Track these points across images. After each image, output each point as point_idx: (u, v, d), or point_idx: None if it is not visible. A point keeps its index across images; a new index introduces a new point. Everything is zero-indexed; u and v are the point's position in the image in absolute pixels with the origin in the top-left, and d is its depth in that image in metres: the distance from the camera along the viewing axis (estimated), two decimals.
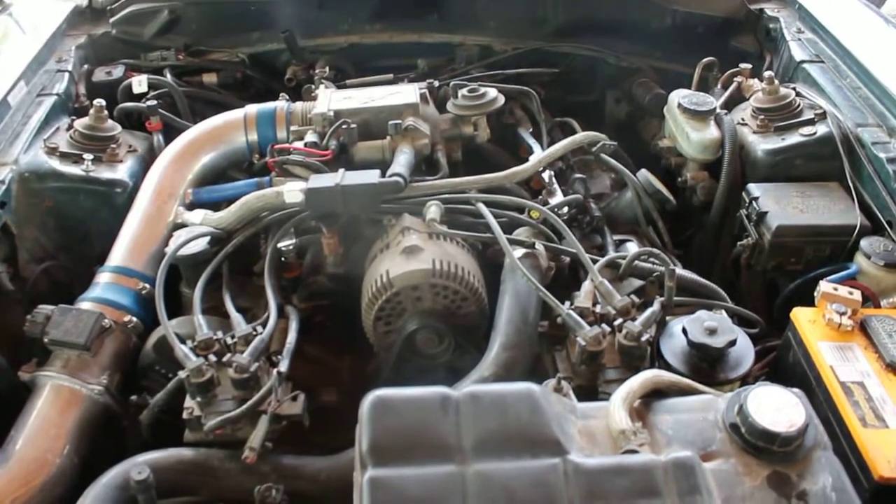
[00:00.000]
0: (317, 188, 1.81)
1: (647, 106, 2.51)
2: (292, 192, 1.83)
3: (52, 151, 2.06)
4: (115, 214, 2.02)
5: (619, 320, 1.61)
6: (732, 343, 1.55)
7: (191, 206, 2.01)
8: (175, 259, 1.83)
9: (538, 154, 2.06)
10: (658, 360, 1.61)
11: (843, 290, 1.69)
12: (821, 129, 2.05)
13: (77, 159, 2.06)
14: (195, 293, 1.76)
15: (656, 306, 1.64)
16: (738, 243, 2.00)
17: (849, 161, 1.99)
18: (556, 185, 1.99)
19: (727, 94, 2.28)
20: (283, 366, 1.60)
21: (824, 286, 1.69)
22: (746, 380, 1.60)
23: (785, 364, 1.71)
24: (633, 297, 1.67)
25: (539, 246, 1.78)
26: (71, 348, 1.71)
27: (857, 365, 1.57)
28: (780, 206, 1.94)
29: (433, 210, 1.82)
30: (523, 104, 2.38)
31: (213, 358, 1.60)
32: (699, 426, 1.26)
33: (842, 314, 1.64)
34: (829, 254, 1.92)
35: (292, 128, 2.11)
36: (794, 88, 2.19)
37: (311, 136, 2.00)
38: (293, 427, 1.61)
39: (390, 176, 1.84)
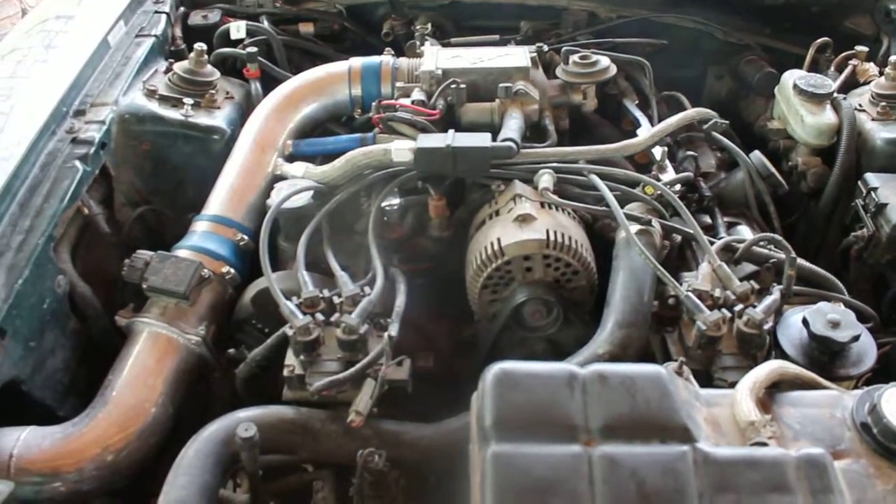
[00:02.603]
0: (427, 147, 1.76)
1: (755, 85, 2.40)
2: (401, 150, 1.78)
3: (151, 94, 2.02)
4: (210, 162, 1.98)
5: (739, 306, 1.55)
6: (856, 338, 1.49)
7: (290, 158, 1.97)
8: (285, 213, 1.79)
9: (649, 128, 1.99)
10: (775, 350, 1.55)
11: None
12: None
13: (176, 103, 2.02)
14: (299, 248, 1.72)
15: (776, 294, 1.57)
16: (852, 234, 1.92)
17: None
18: (667, 162, 1.92)
19: (842, 77, 2.19)
20: (394, 330, 1.55)
21: None
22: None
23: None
24: (752, 282, 1.61)
25: (655, 223, 1.71)
26: (170, 296, 1.68)
27: None
28: None
29: (546, 178, 1.75)
30: (629, 74, 2.29)
31: (320, 317, 1.56)
32: (827, 423, 1.21)
33: None
34: None
35: (398, 84, 2.04)
36: None
37: (417, 94, 1.94)
38: (389, 391, 1.58)
39: (502, 140, 1.78)
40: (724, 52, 2.56)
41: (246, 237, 1.83)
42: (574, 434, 1.12)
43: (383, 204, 1.81)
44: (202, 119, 2.02)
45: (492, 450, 1.10)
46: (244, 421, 1.45)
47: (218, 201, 1.87)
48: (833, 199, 2.01)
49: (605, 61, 2.05)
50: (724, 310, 1.54)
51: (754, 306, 1.54)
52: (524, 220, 1.69)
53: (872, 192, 1.88)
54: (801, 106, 2.07)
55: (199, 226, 1.84)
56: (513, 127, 1.83)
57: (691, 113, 2.03)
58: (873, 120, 2.02)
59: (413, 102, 1.92)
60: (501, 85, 1.91)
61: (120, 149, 1.97)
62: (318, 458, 1.56)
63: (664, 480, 1.09)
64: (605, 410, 1.15)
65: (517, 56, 2.03)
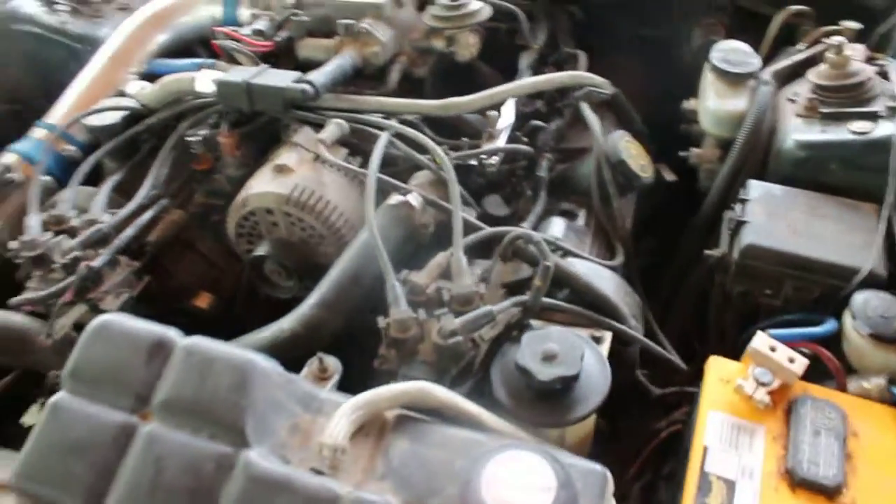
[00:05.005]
0: (225, 81, 1.66)
1: (693, 55, 1.96)
2: (204, 80, 1.69)
3: None
4: None
5: (443, 310, 1.31)
6: (567, 380, 1.19)
7: (142, 77, 1.94)
8: (94, 129, 1.79)
9: (501, 87, 1.70)
10: (483, 372, 1.30)
11: (783, 353, 1.21)
12: (881, 130, 1.47)
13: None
14: (82, 165, 1.71)
15: (502, 305, 1.30)
16: (706, 252, 1.53)
17: None
18: (502, 129, 1.64)
19: (801, 56, 1.70)
20: (99, 260, 1.51)
21: (759, 340, 1.22)
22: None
23: (690, 423, 1.31)
24: (482, 284, 1.35)
25: (414, 196, 1.48)
26: None
27: (746, 457, 1.12)
28: (770, 219, 1.43)
29: (330, 129, 1.59)
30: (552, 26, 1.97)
31: (49, 234, 1.55)
32: (436, 470, 0.98)
33: (761, 384, 1.20)
34: (817, 297, 1.41)
35: (253, 11, 1.93)
36: (881, 65, 1.59)
37: (259, 24, 1.82)
38: None
39: (301, 82, 1.63)
40: (699, 11, 2.08)
41: (74, 148, 1.85)
42: (133, 404, 1.05)
43: (188, 134, 1.74)
44: (81, 27, 2.03)
45: (54, 399, 1.06)
46: None
47: (59, 111, 1.89)
48: (714, 206, 1.61)
49: (476, 5, 1.77)
50: (421, 310, 1.31)
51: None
52: (279, 170, 1.55)
53: (743, 204, 1.48)
54: (712, 85, 1.66)
55: (36, 132, 1.87)
56: (326, 69, 1.67)
57: (561, 76, 1.71)
58: (798, 116, 1.57)
59: (253, 32, 1.80)
60: (340, 22, 1.74)
61: (2, 47, 2.05)
62: (31, 369, 1.59)
63: (183, 476, 1.00)
64: (171, 387, 1.06)
65: None
